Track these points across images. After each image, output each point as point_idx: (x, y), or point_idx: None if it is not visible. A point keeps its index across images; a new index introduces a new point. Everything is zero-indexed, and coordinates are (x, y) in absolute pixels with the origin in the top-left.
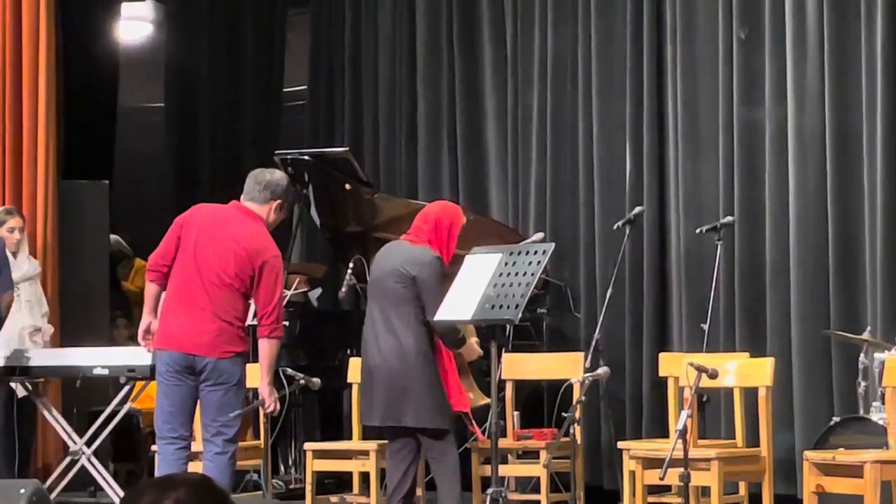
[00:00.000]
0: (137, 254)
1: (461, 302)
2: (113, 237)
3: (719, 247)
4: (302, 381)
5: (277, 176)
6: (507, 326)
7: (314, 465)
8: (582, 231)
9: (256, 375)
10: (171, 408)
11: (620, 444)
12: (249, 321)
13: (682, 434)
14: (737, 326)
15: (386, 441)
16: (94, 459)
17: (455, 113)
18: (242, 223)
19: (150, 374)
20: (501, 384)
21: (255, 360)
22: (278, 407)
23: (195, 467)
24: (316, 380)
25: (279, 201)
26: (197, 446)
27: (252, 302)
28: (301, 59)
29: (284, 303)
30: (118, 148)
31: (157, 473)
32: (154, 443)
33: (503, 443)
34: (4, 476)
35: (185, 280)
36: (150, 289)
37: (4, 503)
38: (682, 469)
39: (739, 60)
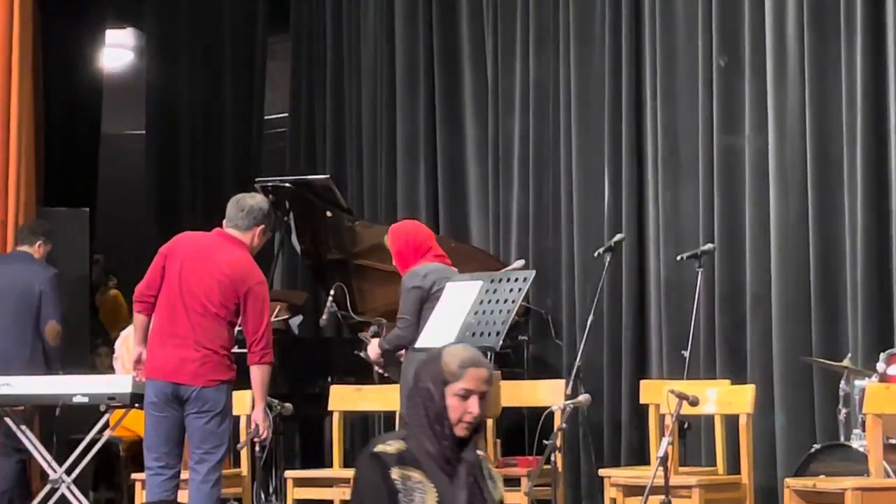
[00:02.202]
0: (118, 280)
1: (442, 329)
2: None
3: (699, 274)
4: (278, 408)
5: (259, 200)
6: (489, 353)
7: (295, 494)
8: (563, 258)
9: (243, 402)
10: (158, 438)
11: (601, 472)
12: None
13: (664, 461)
14: (717, 353)
15: None
16: (73, 488)
17: (435, 140)
18: (226, 251)
19: (131, 401)
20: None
21: (246, 387)
22: (270, 434)
23: (183, 495)
24: (287, 405)
25: (262, 226)
26: (184, 474)
27: (240, 329)
28: (282, 87)
29: None
30: (100, 175)
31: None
32: (134, 471)
33: None
34: None
35: (169, 310)
36: (139, 319)
37: None
38: (663, 496)
39: (719, 88)
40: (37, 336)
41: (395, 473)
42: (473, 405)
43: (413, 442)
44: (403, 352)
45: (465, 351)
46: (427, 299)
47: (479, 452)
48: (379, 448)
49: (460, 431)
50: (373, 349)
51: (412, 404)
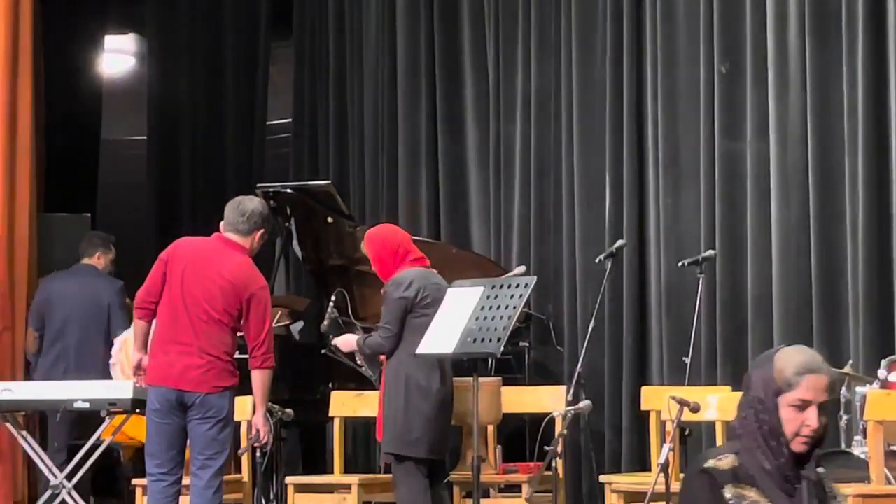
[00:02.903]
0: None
1: (443, 335)
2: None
3: (701, 280)
4: (279, 413)
5: (257, 203)
6: (489, 360)
7: (296, 500)
8: (564, 264)
9: (244, 408)
10: (160, 445)
11: (602, 478)
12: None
13: (664, 468)
14: (718, 360)
15: (367, 474)
16: (74, 494)
17: (437, 146)
18: (227, 256)
19: (132, 407)
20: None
21: (245, 392)
22: (271, 439)
23: (184, 501)
24: (289, 411)
25: (262, 230)
26: (186, 480)
27: (240, 335)
28: (283, 92)
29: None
30: (100, 180)
31: None
32: (134, 477)
33: (486, 476)
34: None
35: (171, 316)
36: (139, 326)
37: None
38: (664, 503)
39: (720, 94)
40: (107, 349)
41: (728, 491)
42: (812, 417)
43: (746, 457)
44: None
45: (801, 355)
46: (412, 309)
47: (819, 469)
48: (710, 463)
49: (797, 447)
50: (347, 343)
51: (742, 415)
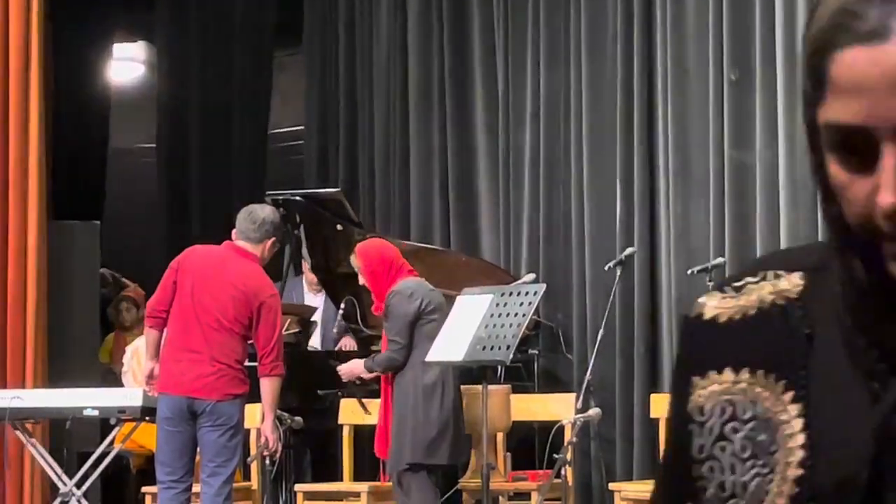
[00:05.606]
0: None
1: (452, 343)
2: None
3: (710, 288)
4: (288, 421)
5: (269, 212)
6: (499, 367)
7: None
8: (574, 272)
9: (254, 415)
10: (171, 453)
11: (612, 486)
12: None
13: None
14: None
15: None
16: (84, 501)
17: (447, 154)
18: (238, 265)
19: (142, 414)
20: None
21: (255, 400)
22: (280, 447)
23: None
24: (298, 419)
25: (273, 238)
26: (196, 487)
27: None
28: (293, 100)
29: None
30: (109, 188)
31: None
32: (144, 484)
33: (496, 484)
34: None
35: (182, 324)
36: (151, 335)
37: None
38: None
39: (730, 102)
40: None
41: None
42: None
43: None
44: None
45: None
46: (419, 318)
47: None
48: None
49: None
50: (353, 370)
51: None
